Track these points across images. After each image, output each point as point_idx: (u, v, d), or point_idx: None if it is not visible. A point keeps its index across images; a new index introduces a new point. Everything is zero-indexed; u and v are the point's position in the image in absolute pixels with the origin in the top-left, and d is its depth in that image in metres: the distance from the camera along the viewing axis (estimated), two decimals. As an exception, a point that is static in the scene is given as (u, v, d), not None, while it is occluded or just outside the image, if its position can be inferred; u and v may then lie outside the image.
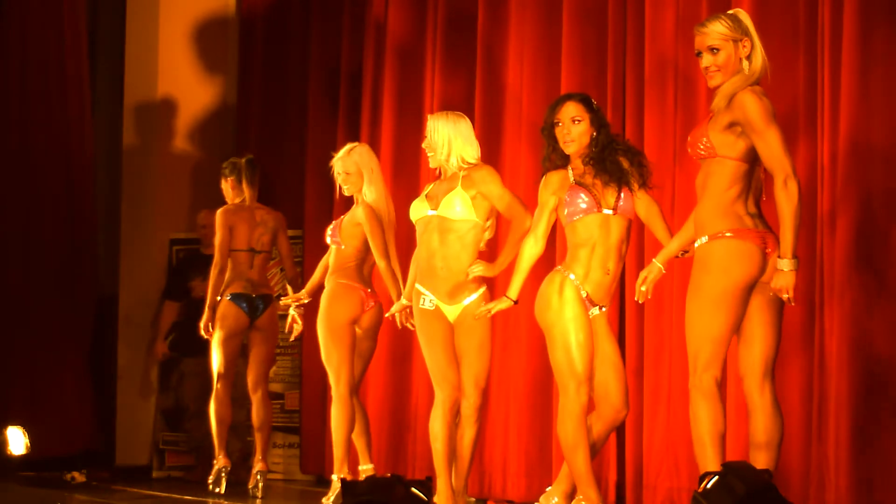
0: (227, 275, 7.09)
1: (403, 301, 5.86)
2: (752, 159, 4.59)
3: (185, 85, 8.78)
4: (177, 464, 8.27)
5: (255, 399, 7.09)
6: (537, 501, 5.36)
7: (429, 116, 5.76)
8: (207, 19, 8.91)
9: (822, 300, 5.59)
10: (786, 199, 4.45)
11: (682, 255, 4.97)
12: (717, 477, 4.10)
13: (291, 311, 6.65)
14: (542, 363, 6.74)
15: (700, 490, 4.10)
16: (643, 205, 5.20)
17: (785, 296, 4.51)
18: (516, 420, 6.84)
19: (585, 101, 5.21)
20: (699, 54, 4.67)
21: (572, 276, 5.08)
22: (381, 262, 6.29)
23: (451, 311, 5.56)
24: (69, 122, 8.71)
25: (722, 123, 4.58)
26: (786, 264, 4.48)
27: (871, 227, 5.49)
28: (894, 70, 5.47)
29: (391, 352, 7.40)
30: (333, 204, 7.42)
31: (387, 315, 6.14)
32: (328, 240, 6.54)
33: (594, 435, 5.13)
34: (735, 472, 4.09)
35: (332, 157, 6.53)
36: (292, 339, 6.82)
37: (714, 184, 4.59)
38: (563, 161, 5.20)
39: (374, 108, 7.74)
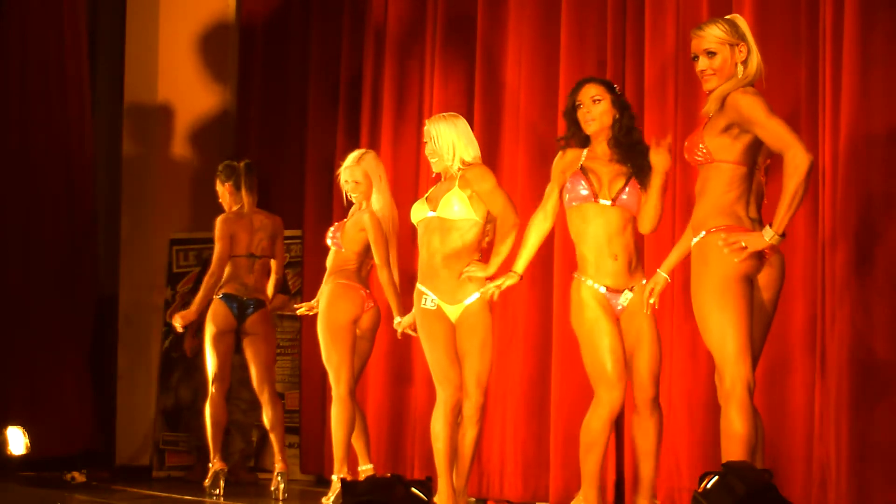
0: (225, 276, 7.09)
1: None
2: (751, 162, 4.57)
3: (185, 85, 8.78)
4: (177, 464, 8.28)
5: (263, 400, 7.09)
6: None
7: (427, 121, 5.71)
8: (208, 20, 8.91)
9: (824, 301, 5.59)
10: (791, 171, 4.34)
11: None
12: (717, 477, 4.08)
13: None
14: (539, 363, 6.76)
15: (700, 490, 4.09)
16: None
17: (740, 247, 4.40)
18: (514, 420, 6.84)
19: (605, 83, 5.25)
20: (695, 58, 4.65)
21: (583, 278, 5.11)
22: (382, 273, 6.29)
23: (453, 311, 5.55)
24: (69, 122, 8.71)
25: (718, 127, 4.56)
26: (767, 232, 4.40)
27: (871, 227, 5.48)
28: (894, 70, 5.48)
29: (391, 352, 7.40)
30: (333, 205, 7.42)
31: (397, 329, 6.13)
32: (328, 241, 6.54)
33: (637, 450, 5.12)
34: (735, 472, 4.07)
35: (335, 160, 6.52)
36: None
37: (713, 187, 4.56)
38: (582, 145, 5.23)
39: (374, 110, 7.73)
